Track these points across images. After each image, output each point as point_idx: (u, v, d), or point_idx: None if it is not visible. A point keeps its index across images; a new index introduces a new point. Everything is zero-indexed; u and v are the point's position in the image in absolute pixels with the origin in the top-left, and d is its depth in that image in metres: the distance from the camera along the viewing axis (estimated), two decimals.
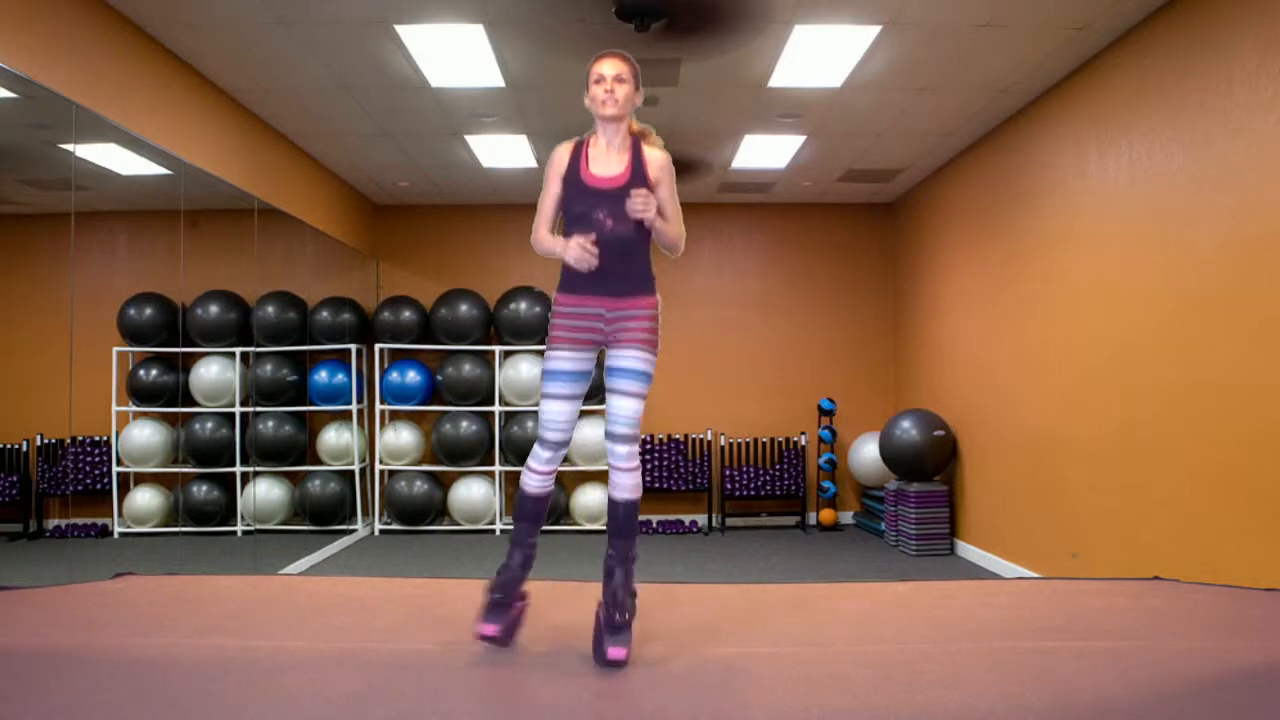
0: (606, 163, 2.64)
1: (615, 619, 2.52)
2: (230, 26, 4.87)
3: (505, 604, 2.60)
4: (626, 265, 2.60)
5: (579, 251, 2.54)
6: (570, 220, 2.64)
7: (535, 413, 8.25)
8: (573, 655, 2.60)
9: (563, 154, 2.68)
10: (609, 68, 2.64)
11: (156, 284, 7.21)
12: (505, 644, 2.60)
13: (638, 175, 2.62)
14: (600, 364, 2.68)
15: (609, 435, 2.64)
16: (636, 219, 2.56)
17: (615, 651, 2.46)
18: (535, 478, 2.68)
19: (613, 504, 2.68)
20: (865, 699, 2.29)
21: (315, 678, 2.43)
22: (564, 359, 2.61)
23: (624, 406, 2.60)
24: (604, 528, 2.80)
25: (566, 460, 8.45)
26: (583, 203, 2.60)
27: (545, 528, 8.25)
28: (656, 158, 2.67)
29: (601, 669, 2.48)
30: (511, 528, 2.75)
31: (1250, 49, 3.97)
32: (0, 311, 6.66)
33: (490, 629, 2.55)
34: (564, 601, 3.31)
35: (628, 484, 2.65)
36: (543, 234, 2.69)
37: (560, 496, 8.35)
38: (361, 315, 8.55)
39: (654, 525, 8.61)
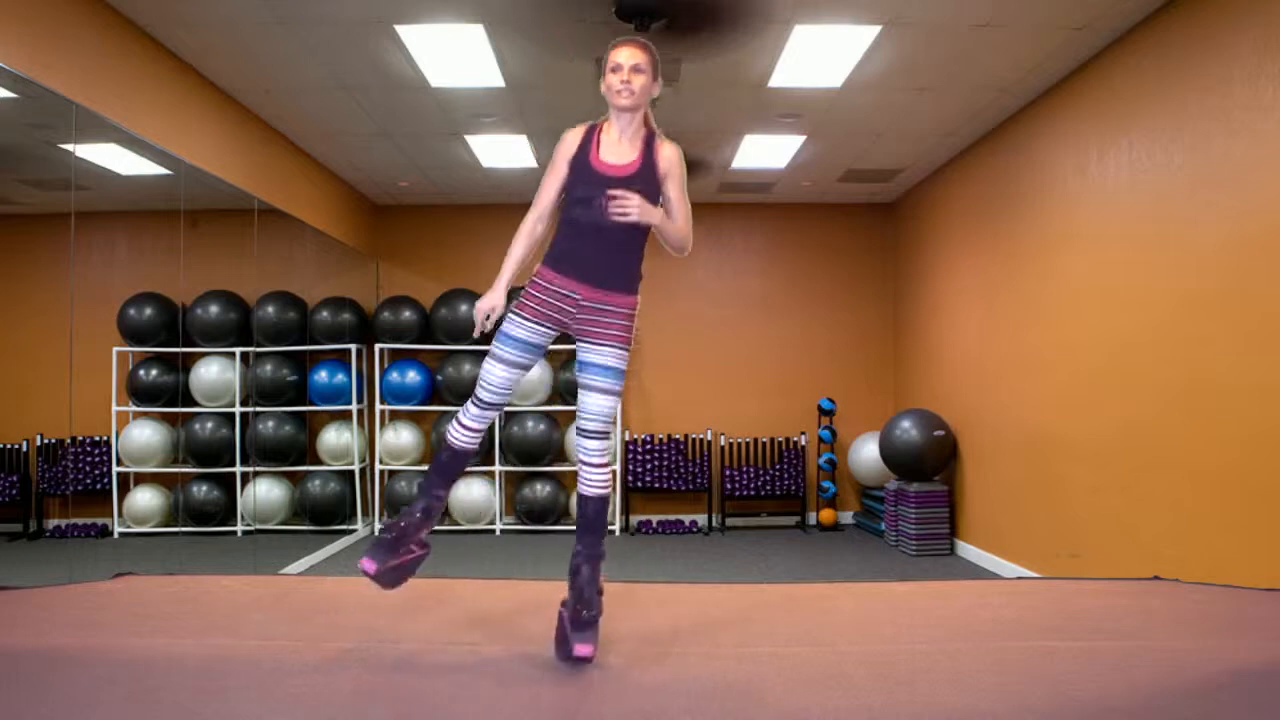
0: (618, 151, 2.60)
1: (582, 615, 2.48)
2: (230, 26, 4.87)
3: (392, 545, 2.59)
4: (616, 259, 2.57)
5: (481, 311, 2.59)
6: (572, 202, 2.60)
7: (536, 412, 8.32)
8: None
9: (573, 138, 2.64)
10: (627, 56, 2.57)
11: (156, 284, 7.21)
12: (386, 585, 2.62)
13: (648, 167, 2.59)
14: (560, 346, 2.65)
15: (580, 430, 2.61)
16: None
17: (582, 648, 2.43)
18: (465, 434, 2.66)
19: (583, 499, 2.64)
20: (865, 699, 2.29)
21: (315, 678, 2.43)
22: (524, 328, 2.58)
23: (597, 402, 2.58)
24: (576, 531, 2.74)
25: (566, 460, 8.46)
26: (588, 188, 2.56)
27: (544, 528, 8.31)
28: (668, 152, 2.62)
29: (600, 669, 2.48)
30: (427, 479, 2.73)
31: (1250, 49, 3.97)
32: (0, 311, 6.67)
33: (370, 565, 2.57)
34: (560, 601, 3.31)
35: (598, 480, 2.62)
36: (528, 225, 2.67)
37: (559, 496, 8.35)
38: (361, 315, 8.55)
39: (654, 525, 8.61)
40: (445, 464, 2.71)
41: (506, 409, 8.38)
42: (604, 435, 2.61)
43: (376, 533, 2.60)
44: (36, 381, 6.34)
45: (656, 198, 2.60)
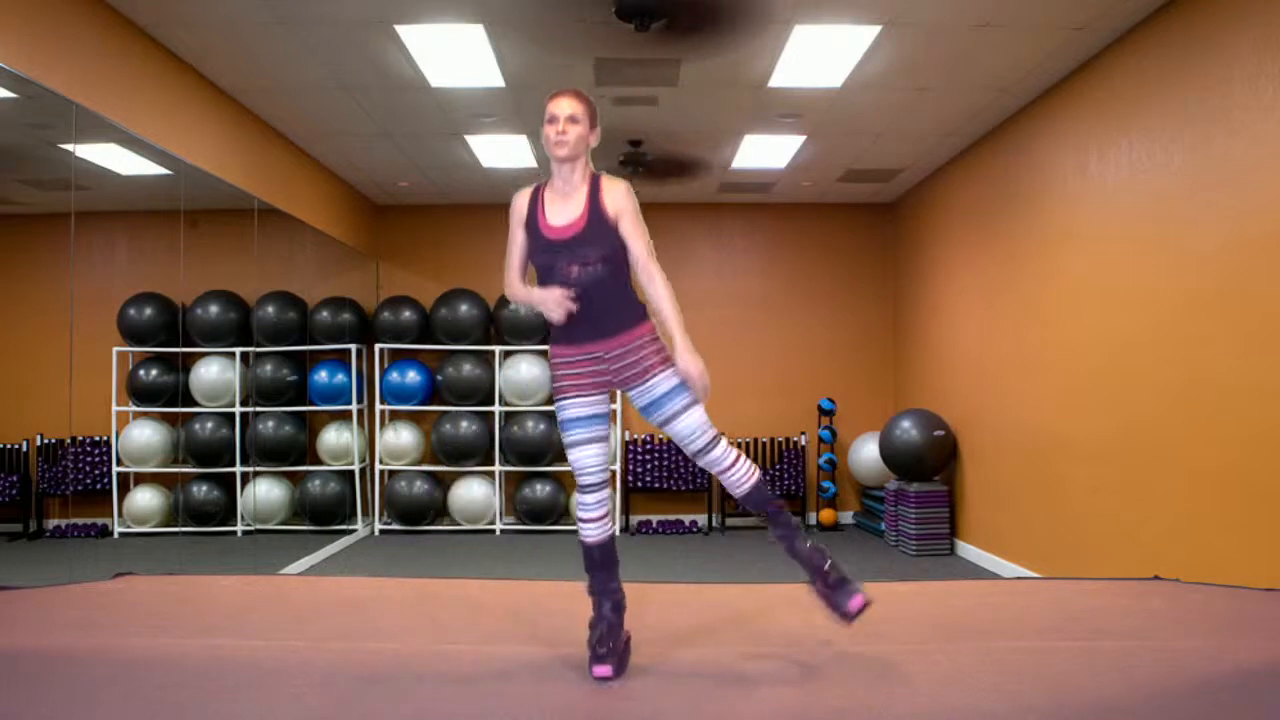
0: (563, 209, 2.57)
1: (597, 650, 2.47)
2: (230, 26, 4.87)
3: (615, 650, 2.50)
4: (608, 304, 2.54)
5: (558, 304, 2.51)
6: (540, 272, 2.60)
7: (535, 412, 8.32)
8: (572, 655, 2.60)
9: (521, 203, 2.64)
10: (562, 107, 2.58)
11: (156, 284, 7.21)
12: (618, 677, 2.50)
13: (595, 215, 2.53)
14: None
15: (695, 454, 2.57)
16: (601, 258, 2.50)
17: (600, 669, 2.43)
18: (589, 526, 2.61)
19: (744, 498, 2.62)
20: (865, 699, 2.29)
21: (315, 678, 2.43)
22: (574, 406, 2.57)
23: (684, 425, 2.54)
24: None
25: (564, 460, 8.43)
26: (545, 254, 2.55)
27: (544, 527, 8.31)
28: (614, 188, 2.57)
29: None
30: (587, 581, 2.66)
31: (1250, 50, 3.97)
32: (0, 311, 6.67)
33: (604, 670, 2.45)
34: (563, 600, 3.31)
35: (739, 478, 2.58)
36: (516, 286, 2.66)
37: (559, 497, 8.35)
38: (361, 315, 8.55)
39: (654, 525, 8.61)
40: (598, 560, 2.62)
41: (506, 409, 8.40)
42: (712, 445, 2.56)
43: (592, 649, 2.52)
44: (36, 381, 6.35)
45: (615, 240, 2.54)
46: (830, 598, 2.56)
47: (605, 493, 2.62)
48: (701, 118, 6.42)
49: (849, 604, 2.51)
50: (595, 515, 2.60)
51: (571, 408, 2.57)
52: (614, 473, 8.25)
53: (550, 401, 8.41)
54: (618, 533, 8.41)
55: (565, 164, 2.58)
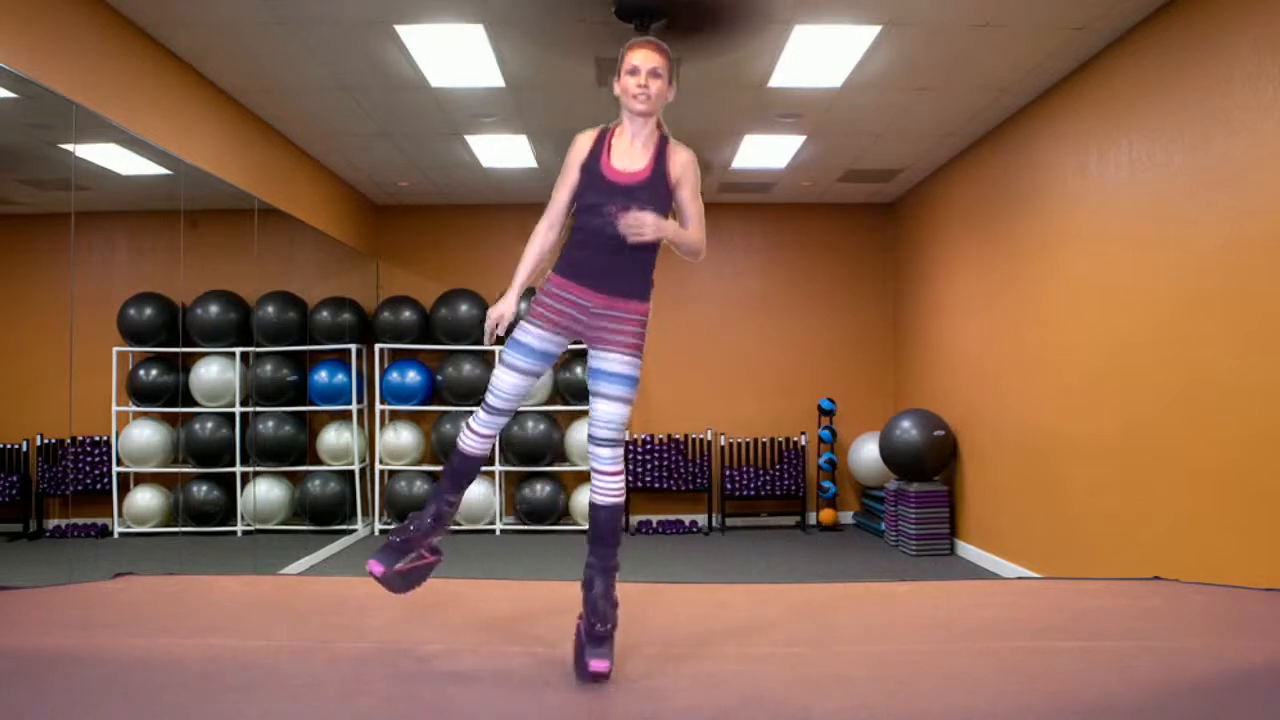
0: (630, 156, 2.54)
1: (596, 628, 2.43)
2: (230, 26, 4.87)
3: (400, 549, 2.61)
4: (627, 266, 2.52)
5: (491, 321, 2.59)
6: (583, 209, 2.56)
7: (536, 412, 8.31)
8: (571, 655, 2.59)
9: (585, 142, 2.59)
10: (645, 59, 2.51)
11: (156, 284, 7.21)
12: (394, 589, 2.62)
13: (659, 173, 2.53)
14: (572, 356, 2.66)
15: (592, 439, 2.56)
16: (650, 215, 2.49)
17: (598, 664, 2.37)
18: (475, 439, 2.63)
19: (594, 509, 2.57)
20: (865, 699, 2.29)
21: (315, 678, 2.43)
22: (535, 336, 2.54)
23: (609, 410, 2.53)
24: (588, 542, 2.72)
25: (566, 460, 8.46)
26: (597, 194, 2.52)
27: (544, 527, 8.31)
28: (681, 156, 2.56)
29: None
30: (440, 483, 2.72)
31: (1250, 49, 3.97)
32: (0, 311, 6.67)
33: (377, 567, 2.59)
34: (563, 601, 3.31)
35: (610, 488, 2.55)
36: (540, 239, 2.63)
37: (559, 497, 8.35)
38: (361, 315, 8.55)
39: (654, 525, 8.61)
40: (456, 469, 2.68)
41: None
42: (616, 443, 2.55)
43: (386, 536, 2.63)
44: (36, 381, 6.34)
45: (668, 205, 2.55)
46: (584, 646, 2.44)
47: (505, 420, 2.65)
48: (701, 118, 6.42)
49: (594, 663, 2.38)
50: (487, 433, 2.63)
51: (531, 335, 2.54)
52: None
53: (549, 402, 8.42)
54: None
55: (640, 118, 2.55)
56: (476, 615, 3.09)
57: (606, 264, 2.52)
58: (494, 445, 2.78)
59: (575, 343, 2.63)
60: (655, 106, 2.54)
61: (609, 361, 2.53)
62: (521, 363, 2.55)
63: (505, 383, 2.57)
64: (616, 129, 2.60)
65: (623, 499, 2.60)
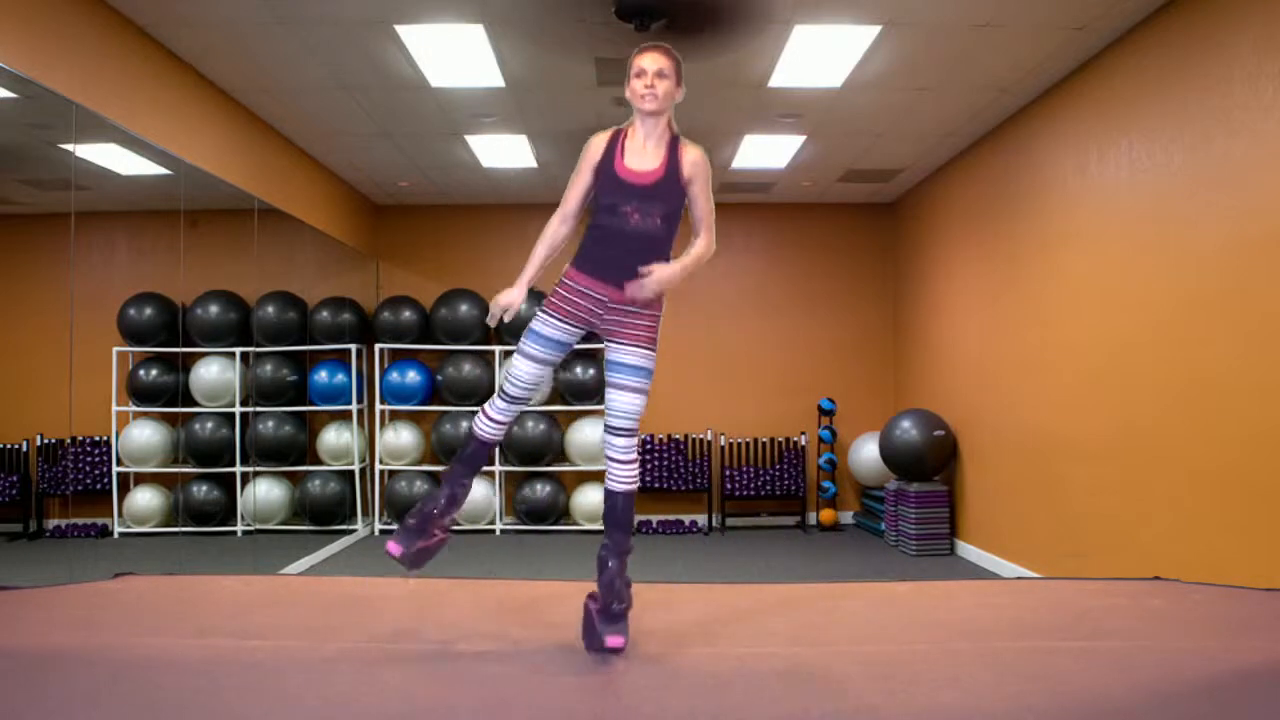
0: (642, 156, 2.63)
1: (613, 607, 2.56)
2: (230, 26, 4.87)
3: (417, 530, 2.69)
4: (643, 263, 2.60)
5: (499, 304, 2.66)
6: (597, 209, 2.66)
7: (536, 412, 8.32)
8: (572, 654, 2.60)
9: (599, 143, 2.67)
10: (651, 62, 2.61)
11: (156, 284, 7.21)
12: (410, 566, 2.71)
13: (672, 172, 2.62)
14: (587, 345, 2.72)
15: (608, 428, 2.67)
16: (662, 215, 2.59)
17: (614, 639, 2.49)
18: (490, 425, 2.74)
19: (610, 495, 2.70)
20: (865, 699, 2.29)
21: (315, 678, 2.43)
22: (552, 326, 2.64)
23: (624, 400, 2.64)
24: (603, 527, 2.78)
25: (566, 460, 8.47)
26: (612, 194, 2.61)
27: (544, 527, 8.31)
28: (692, 155, 2.64)
29: (600, 668, 2.48)
30: (449, 466, 2.80)
31: (1250, 49, 3.97)
32: (0, 311, 6.67)
33: (395, 548, 2.67)
34: (563, 601, 3.31)
35: (625, 476, 2.68)
36: (551, 232, 2.70)
37: (559, 497, 8.35)
38: (361, 315, 8.55)
39: (654, 525, 8.61)
40: (470, 454, 2.78)
41: None
42: (631, 433, 2.67)
43: (401, 519, 2.73)
44: (36, 381, 6.34)
45: (680, 202, 2.64)
46: (597, 621, 2.57)
47: (520, 409, 2.76)
48: (701, 118, 6.42)
49: (611, 638, 2.52)
50: (502, 420, 2.74)
51: (548, 326, 2.65)
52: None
53: (549, 402, 8.42)
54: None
55: (651, 117, 2.63)
56: (476, 615, 3.09)
57: (623, 261, 2.60)
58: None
59: (588, 338, 2.74)
60: (664, 105, 2.62)
61: (626, 354, 2.64)
62: (539, 352, 2.66)
63: (523, 371, 2.68)
64: (629, 130, 2.68)
65: (635, 486, 2.72)
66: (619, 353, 2.64)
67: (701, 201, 2.66)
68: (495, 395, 2.75)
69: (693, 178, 2.63)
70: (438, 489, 2.78)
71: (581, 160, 2.68)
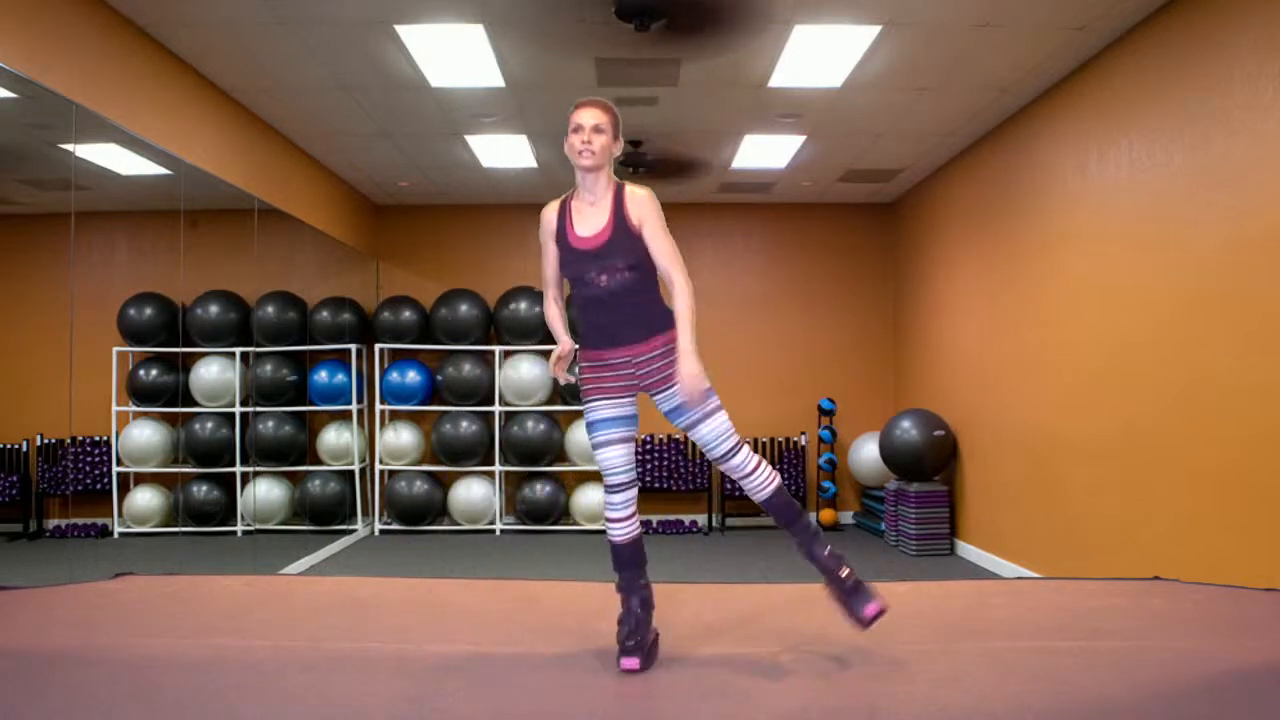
0: (589, 220, 2.62)
1: (627, 645, 2.51)
2: (230, 26, 4.87)
3: (638, 646, 2.53)
4: (637, 311, 2.61)
5: (553, 362, 2.69)
6: (571, 283, 2.67)
7: (536, 412, 8.32)
8: (571, 655, 2.60)
9: (550, 215, 2.68)
10: (588, 117, 2.60)
11: (156, 284, 7.21)
12: (645, 669, 2.54)
13: (620, 225, 2.59)
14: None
15: (716, 459, 2.66)
16: (628, 266, 2.56)
17: (628, 661, 2.47)
18: (616, 526, 2.68)
19: (766, 503, 2.74)
20: (865, 699, 2.29)
21: (315, 678, 2.43)
22: (603, 408, 2.64)
23: (706, 430, 2.63)
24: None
25: (565, 460, 8.46)
26: (574, 265, 2.62)
27: (544, 528, 8.31)
28: (637, 196, 2.61)
29: (599, 668, 2.48)
30: (616, 579, 2.71)
31: (1250, 50, 3.97)
32: (0, 311, 6.67)
33: (632, 663, 2.50)
34: (564, 601, 3.31)
35: (759, 483, 2.69)
36: (550, 307, 2.76)
37: (560, 497, 8.35)
38: (361, 315, 8.55)
39: (654, 525, 8.61)
40: (626, 559, 2.69)
41: (506, 409, 8.39)
42: (733, 452, 2.65)
43: (621, 643, 2.55)
44: (36, 381, 6.34)
45: (639, 251, 2.59)
46: (846, 602, 2.63)
47: (632, 493, 2.68)
48: (701, 118, 6.42)
49: (864, 610, 2.58)
50: (623, 515, 2.67)
51: (599, 409, 2.64)
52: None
53: (549, 402, 8.42)
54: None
55: (590, 174, 2.62)
56: (476, 615, 3.09)
57: (618, 321, 2.61)
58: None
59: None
60: (602, 160, 2.61)
61: (678, 395, 2.60)
62: (608, 435, 2.65)
63: (611, 457, 2.65)
64: (574, 194, 2.69)
65: (776, 481, 2.75)
66: (672, 398, 2.61)
67: (660, 242, 2.60)
68: (605, 496, 2.69)
69: (642, 220, 2.59)
70: (627, 602, 2.64)
71: (541, 236, 2.70)
